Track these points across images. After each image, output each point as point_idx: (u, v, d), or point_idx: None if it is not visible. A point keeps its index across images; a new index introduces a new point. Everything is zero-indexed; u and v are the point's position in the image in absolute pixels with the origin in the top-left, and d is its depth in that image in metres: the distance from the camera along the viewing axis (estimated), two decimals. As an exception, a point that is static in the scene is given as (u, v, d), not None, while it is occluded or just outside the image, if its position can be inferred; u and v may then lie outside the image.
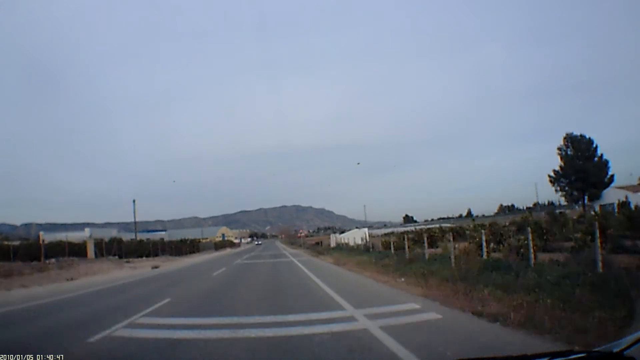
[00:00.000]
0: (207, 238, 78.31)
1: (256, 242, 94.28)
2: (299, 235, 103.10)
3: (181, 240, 47.42)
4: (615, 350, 2.00)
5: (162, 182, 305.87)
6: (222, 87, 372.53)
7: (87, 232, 52.64)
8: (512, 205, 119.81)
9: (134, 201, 43.55)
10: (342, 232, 65.41)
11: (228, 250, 57.18)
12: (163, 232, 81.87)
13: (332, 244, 44.63)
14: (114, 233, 54.81)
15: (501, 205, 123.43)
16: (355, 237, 40.58)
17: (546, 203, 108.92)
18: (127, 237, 45.91)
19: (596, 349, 2.24)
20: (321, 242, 52.31)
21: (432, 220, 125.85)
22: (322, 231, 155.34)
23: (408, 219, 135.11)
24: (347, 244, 37.56)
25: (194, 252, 45.52)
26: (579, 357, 2.07)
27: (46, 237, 43.59)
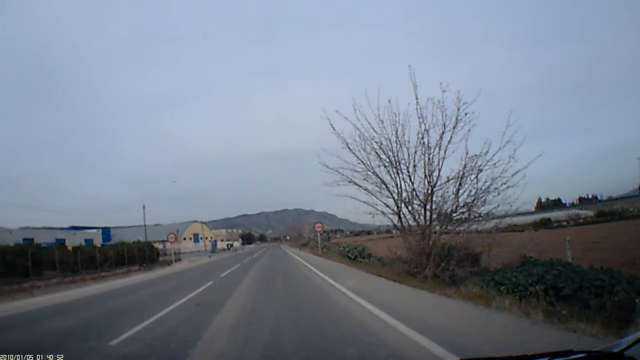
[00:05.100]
0: (166, 240, 41.09)
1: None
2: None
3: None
4: (615, 350, 1.98)
5: (162, 185, 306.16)
6: (223, 89, 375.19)
7: None
8: (559, 199, 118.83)
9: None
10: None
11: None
12: (94, 230, 56.35)
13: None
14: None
15: (547, 199, 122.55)
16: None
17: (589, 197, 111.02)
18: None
19: (596, 349, 2.22)
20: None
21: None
22: (326, 234, 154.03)
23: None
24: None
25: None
26: (579, 357, 2.05)
27: None
